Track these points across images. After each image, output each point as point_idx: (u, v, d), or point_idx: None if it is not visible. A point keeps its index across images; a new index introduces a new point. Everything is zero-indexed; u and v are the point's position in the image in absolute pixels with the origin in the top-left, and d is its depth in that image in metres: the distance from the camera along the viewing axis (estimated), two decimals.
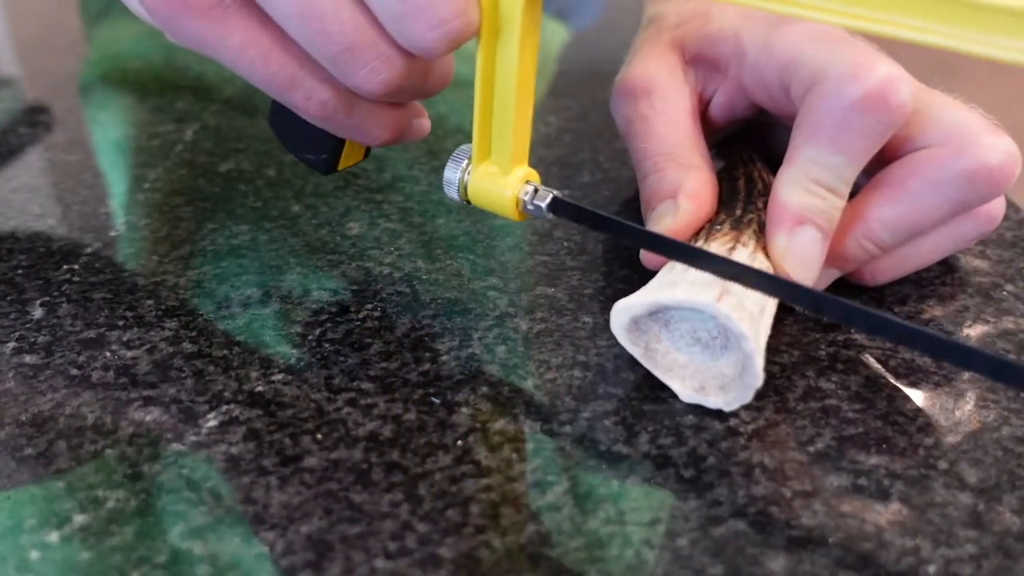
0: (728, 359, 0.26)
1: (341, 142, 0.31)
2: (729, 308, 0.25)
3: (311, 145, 0.32)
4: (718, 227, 0.29)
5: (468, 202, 0.30)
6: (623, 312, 0.27)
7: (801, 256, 0.28)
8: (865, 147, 0.28)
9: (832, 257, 0.29)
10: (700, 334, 0.27)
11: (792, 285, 0.26)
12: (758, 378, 0.25)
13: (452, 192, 0.30)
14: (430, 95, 0.29)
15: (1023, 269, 0.33)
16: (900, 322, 0.24)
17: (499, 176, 0.29)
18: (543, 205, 0.28)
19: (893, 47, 0.29)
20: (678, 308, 0.26)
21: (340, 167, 0.32)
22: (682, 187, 0.30)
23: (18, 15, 0.61)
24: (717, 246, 0.28)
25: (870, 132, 0.27)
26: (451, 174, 0.30)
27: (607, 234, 0.29)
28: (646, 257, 0.31)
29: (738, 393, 0.26)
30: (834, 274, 0.31)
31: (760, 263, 0.28)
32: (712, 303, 0.25)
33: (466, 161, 0.29)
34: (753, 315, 0.26)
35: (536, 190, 0.29)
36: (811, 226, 0.28)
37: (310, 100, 0.27)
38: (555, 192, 0.29)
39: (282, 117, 0.31)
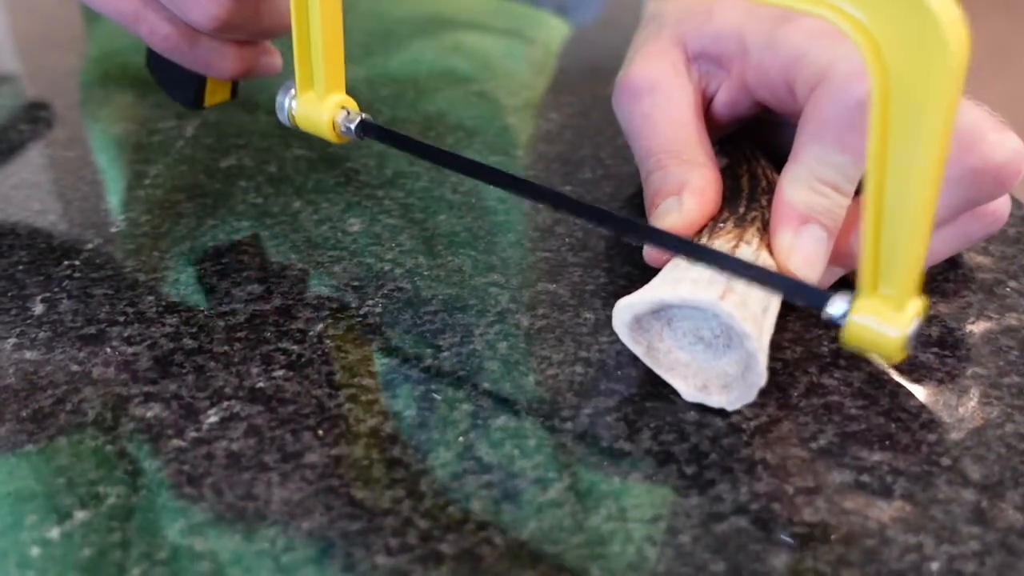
0: (731, 358, 0.26)
1: (202, 80, 0.35)
2: (732, 307, 0.25)
3: (178, 83, 0.36)
4: (721, 224, 0.29)
5: (297, 126, 0.32)
6: (626, 310, 0.27)
7: (805, 255, 0.28)
8: None
9: (836, 255, 0.29)
10: (703, 333, 0.27)
11: (794, 282, 0.26)
12: (761, 377, 0.25)
13: (283, 117, 0.32)
14: (270, 35, 0.33)
15: None
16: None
17: (318, 102, 0.31)
18: (352, 127, 0.31)
19: None
20: (681, 306, 0.26)
21: (207, 103, 0.37)
22: (686, 184, 0.30)
23: (19, 11, 0.61)
24: (720, 244, 0.28)
25: None
26: (281, 99, 0.32)
27: (419, 157, 0.33)
28: (649, 254, 0.31)
29: (741, 392, 0.26)
30: (837, 272, 0.30)
31: (764, 261, 0.27)
32: (715, 301, 0.25)
33: (294, 89, 0.32)
34: (756, 314, 0.26)
35: (348, 113, 0.31)
36: (816, 225, 0.28)
37: (154, 34, 0.33)
38: (364, 115, 0.31)
39: (156, 58, 0.36)
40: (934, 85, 0.20)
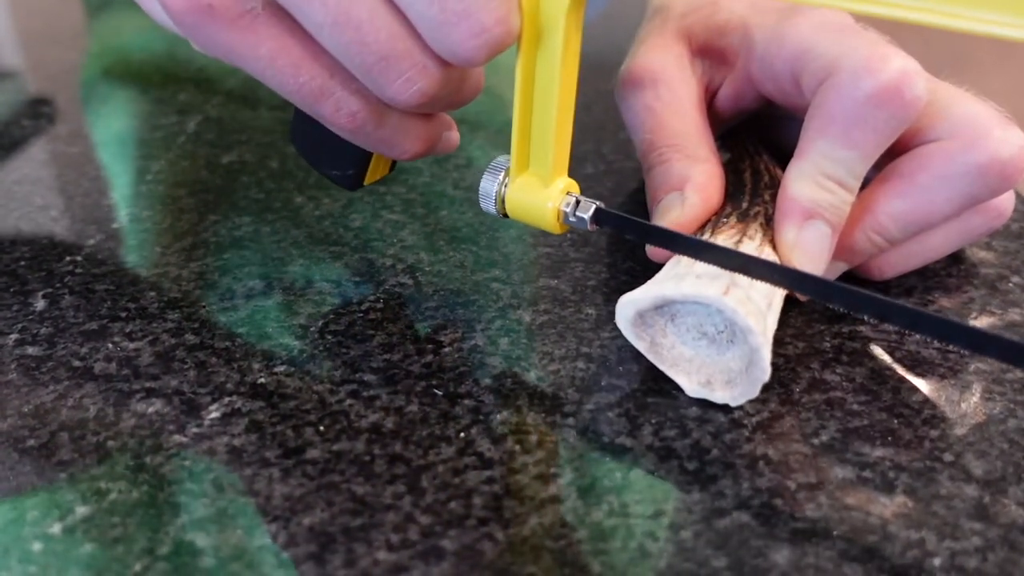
0: (734, 353, 0.26)
1: (368, 156, 0.30)
2: (736, 302, 0.25)
3: (337, 160, 0.31)
4: (724, 220, 0.29)
5: (505, 215, 0.29)
6: (628, 306, 0.27)
7: (809, 250, 0.28)
8: (878, 142, 0.27)
9: (840, 250, 0.29)
10: (706, 328, 0.27)
11: (798, 274, 0.26)
12: (765, 372, 0.25)
13: (489, 205, 0.29)
14: (463, 104, 0.28)
15: None
16: (909, 307, 0.23)
17: (539, 188, 0.28)
18: (586, 217, 0.28)
19: (900, 38, 0.29)
20: (684, 302, 0.26)
21: (366, 182, 0.31)
22: (689, 179, 0.30)
23: (21, 8, 0.61)
24: (723, 239, 0.28)
25: (883, 127, 0.27)
26: (488, 186, 0.28)
27: (650, 243, 0.29)
28: (652, 250, 0.30)
29: (745, 388, 0.26)
30: (841, 267, 0.30)
31: (767, 256, 0.27)
32: (719, 297, 0.25)
33: (503, 173, 0.28)
34: (760, 309, 0.25)
35: (578, 201, 0.28)
36: (820, 220, 0.28)
37: (340, 111, 0.26)
38: (597, 203, 0.28)
39: (306, 131, 0.30)
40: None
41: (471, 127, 0.43)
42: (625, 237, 0.28)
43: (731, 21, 0.32)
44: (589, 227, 0.28)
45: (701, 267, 0.26)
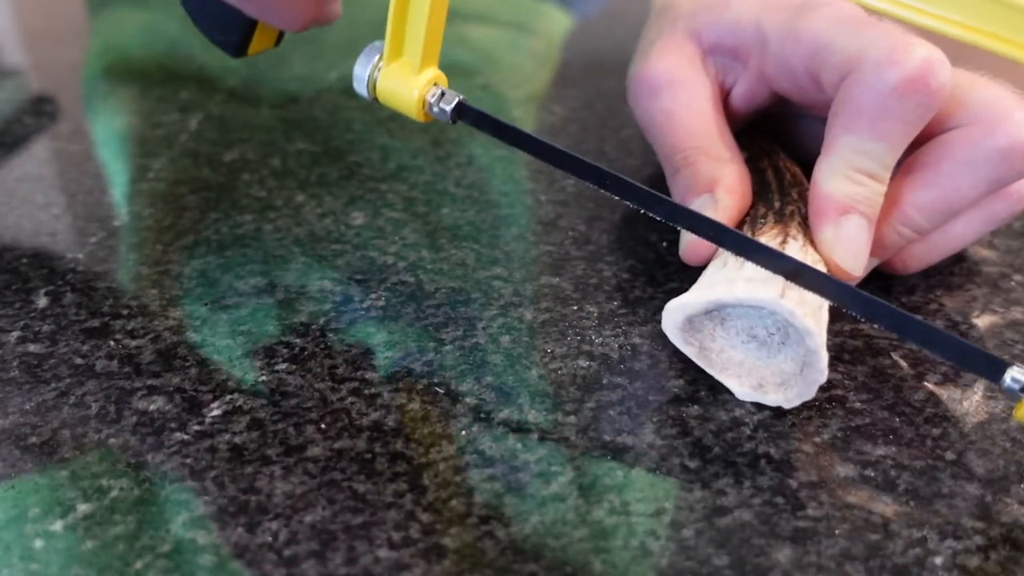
0: (787, 355, 0.26)
1: (252, 25, 0.31)
2: (793, 304, 0.24)
3: (223, 27, 0.32)
4: (761, 220, 0.28)
5: (376, 99, 0.30)
6: (678, 311, 0.26)
7: (850, 246, 0.27)
8: (906, 132, 0.27)
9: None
10: (757, 331, 0.26)
11: (849, 289, 0.25)
12: (823, 373, 0.25)
13: (361, 88, 0.29)
14: None
15: None
16: (955, 338, 0.23)
17: (409, 75, 0.28)
18: (448, 109, 0.28)
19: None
20: (737, 305, 0.26)
21: (250, 52, 0.32)
22: (719, 181, 0.29)
23: (23, 5, 0.61)
24: (767, 240, 0.27)
25: (911, 116, 0.27)
26: (360, 70, 0.29)
27: (510, 143, 0.29)
28: (690, 251, 0.30)
29: (800, 389, 0.26)
30: (873, 263, 0.30)
31: (811, 256, 0.27)
32: (776, 299, 0.24)
33: (377, 57, 0.29)
34: (815, 310, 0.25)
35: (443, 93, 0.28)
36: (856, 215, 0.27)
37: None
38: (460, 96, 0.28)
39: None
40: None
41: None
42: (485, 132, 0.29)
43: (742, 19, 0.32)
44: (450, 119, 0.28)
45: (751, 269, 0.26)
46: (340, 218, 0.36)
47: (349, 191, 0.37)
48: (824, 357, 0.25)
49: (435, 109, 0.28)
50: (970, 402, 0.27)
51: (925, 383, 0.28)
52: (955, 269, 0.32)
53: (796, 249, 0.27)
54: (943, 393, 0.27)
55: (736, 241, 0.26)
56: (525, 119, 0.44)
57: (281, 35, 0.33)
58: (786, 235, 0.27)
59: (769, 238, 0.27)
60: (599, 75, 0.47)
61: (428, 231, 0.35)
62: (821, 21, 0.29)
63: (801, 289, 0.25)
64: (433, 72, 0.28)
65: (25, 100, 0.47)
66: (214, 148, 0.41)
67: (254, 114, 0.44)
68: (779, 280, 0.25)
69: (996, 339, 0.29)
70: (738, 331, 0.27)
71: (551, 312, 0.30)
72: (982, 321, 0.30)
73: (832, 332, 0.29)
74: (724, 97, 0.34)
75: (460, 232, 0.35)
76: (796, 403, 0.26)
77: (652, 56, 0.33)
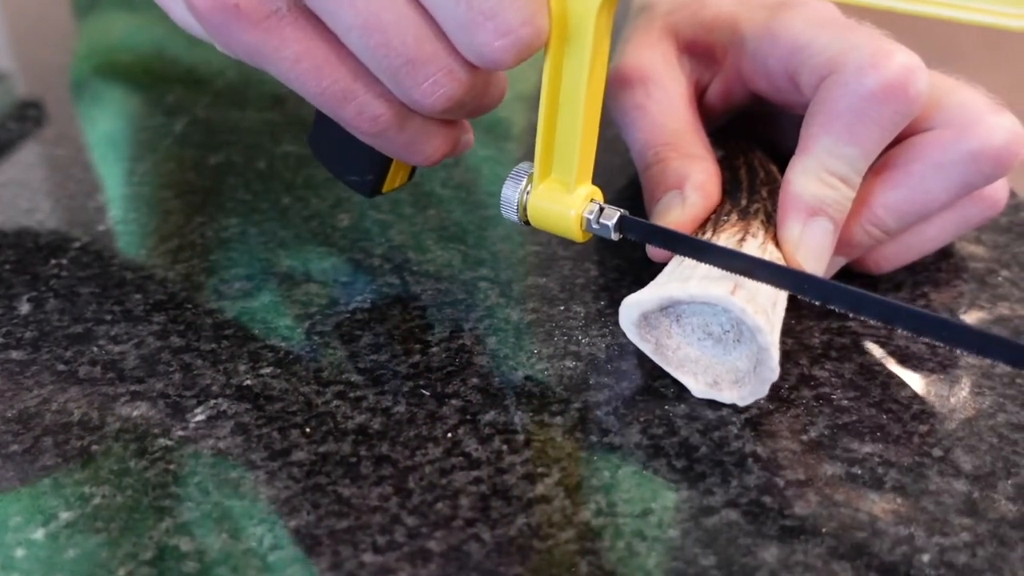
0: (741, 352, 0.26)
1: (388, 162, 0.30)
2: (743, 301, 0.24)
3: (356, 165, 0.30)
4: (725, 218, 0.28)
5: (527, 223, 0.28)
6: (633, 307, 0.26)
7: (814, 247, 0.27)
8: (881, 137, 0.27)
9: (838, 244, 0.29)
10: (712, 328, 0.26)
11: (804, 276, 0.25)
12: (774, 372, 0.25)
13: (511, 213, 0.28)
14: (488, 110, 0.27)
15: (1018, 255, 0.33)
16: (914, 309, 0.23)
17: (562, 194, 0.27)
18: (610, 224, 0.27)
19: (894, 33, 0.28)
20: (690, 302, 0.26)
21: (385, 189, 0.31)
22: (687, 178, 0.29)
23: (9, 9, 0.61)
24: (726, 238, 0.27)
25: (887, 122, 0.27)
26: (510, 193, 0.28)
27: (678, 252, 0.28)
28: (653, 250, 0.30)
29: (753, 387, 0.26)
30: (840, 262, 0.30)
31: (771, 254, 0.27)
32: (726, 296, 0.25)
33: (526, 179, 0.28)
34: (766, 308, 0.25)
35: (601, 209, 0.27)
36: (824, 218, 0.27)
37: (362, 115, 0.26)
38: (621, 211, 0.27)
39: (325, 136, 0.30)
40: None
41: None
42: (651, 245, 0.28)
43: (718, 17, 0.32)
44: (613, 236, 0.27)
45: (705, 267, 0.26)
46: (326, 220, 0.35)
47: (335, 193, 0.37)
48: (775, 355, 0.25)
49: (594, 226, 0.27)
50: (957, 399, 0.27)
51: (912, 380, 0.27)
52: (942, 265, 0.32)
53: (754, 247, 0.27)
54: (930, 390, 0.27)
55: (685, 244, 0.27)
56: (513, 118, 0.44)
57: (414, 169, 0.32)
58: (746, 232, 0.27)
59: (728, 236, 0.27)
60: None
61: (415, 232, 0.35)
62: (799, 21, 0.29)
63: (754, 287, 0.25)
64: (588, 188, 0.27)
65: (10, 104, 0.46)
66: (199, 151, 0.41)
67: (240, 117, 0.44)
68: (732, 277, 0.25)
69: (1004, 335, 0.29)
70: (694, 328, 0.27)
71: (538, 313, 0.30)
72: (969, 317, 0.30)
73: (819, 330, 0.29)
74: (700, 95, 0.34)
75: (446, 233, 0.35)
76: (749, 401, 0.26)
77: (628, 52, 0.33)
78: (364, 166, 0.30)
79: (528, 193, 0.28)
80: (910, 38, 0.28)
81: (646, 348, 0.27)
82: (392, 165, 0.30)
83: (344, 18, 0.23)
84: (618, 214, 0.27)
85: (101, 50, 0.52)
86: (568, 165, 0.27)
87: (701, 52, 0.33)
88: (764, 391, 0.25)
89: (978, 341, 0.23)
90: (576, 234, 0.28)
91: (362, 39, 0.24)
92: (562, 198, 0.27)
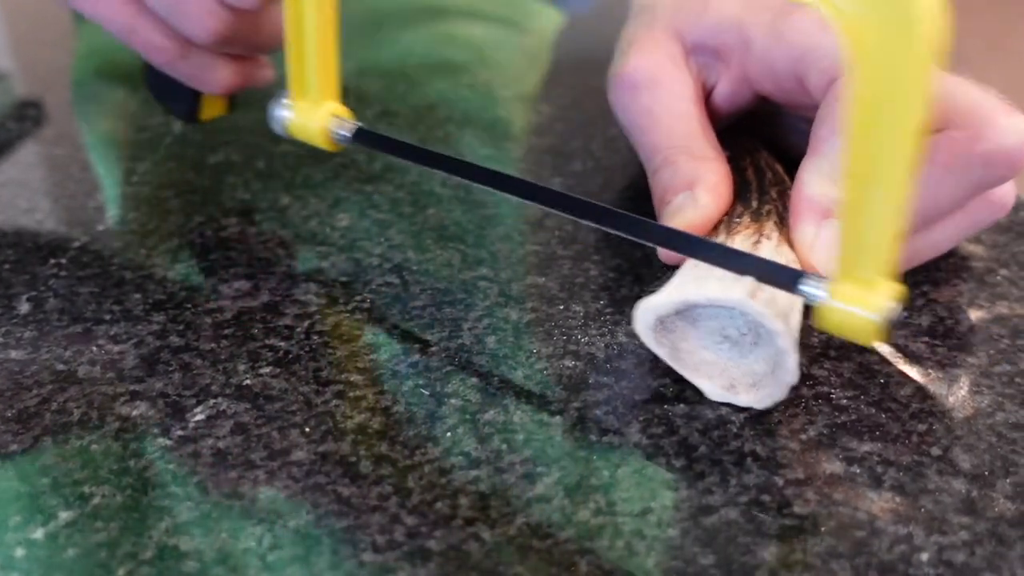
0: (758, 355, 0.26)
1: (199, 93, 0.35)
2: (762, 304, 0.24)
3: (174, 97, 0.36)
4: (737, 220, 0.28)
5: (292, 136, 0.33)
6: (649, 312, 0.26)
7: (829, 249, 0.27)
8: None
9: None
10: (729, 331, 0.26)
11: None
12: (793, 374, 0.25)
13: (276, 127, 0.33)
14: (265, 50, 0.34)
15: (1018, 254, 0.33)
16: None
17: (312, 110, 0.32)
18: (348, 134, 0.32)
19: None
20: (708, 305, 0.26)
21: (203, 117, 0.37)
22: (699, 180, 0.29)
23: (8, 9, 0.61)
24: (741, 240, 0.27)
25: None
26: (273, 110, 0.33)
27: (410, 161, 0.32)
28: (665, 251, 0.30)
29: (771, 390, 0.25)
30: None
31: (785, 256, 0.27)
32: (745, 299, 0.24)
33: (287, 98, 0.32)
34: (785, 310, 0.25)
35: (343, 122, 0.32)
36: (837, 219, 0.27)
37: (148, 45, 0.32)
38: (360, 124, 0.32)
39: (152, 71, 0.36)
40: (908, 69, 0.20)
41: (459, 124, 0.43)
42: (387, 155, 0.35)
43: (724, 19, 0.32)
44: (351, 143, 0.32)
45: (722, 269, 0.26)
46: (325, 220, 0.35)
47: (334, 192, 0.37)
48: (794, 358, 0.24)
49: (337, 137, 0.32)
50: (956, 397, 0.27)
51: (911, 379, 0.27)
52: (942, 264, 0.32)
53: (769, 249, 0.27)
54: (929, 389, 0.27)
55: (703, 248, 0.26)
56: (513, 118, 0.44)
57: (232, 101, 0.38)
58: (760, 235, 0.27)
59: (743, 239, 0.27)
60: (587, 74, 0.47)
61: (414, 232, 0.35)
62: (807, 23, 0.29)
63: (772, 289, 0.25)
64: (332, 105, 0.32)
65: (10, 104, 0.46)
66: (199, 151, 0.41)
67: (239, 116, 0.44)
68: (749, 280, 0.25)
69: (982, 334, 0.29)
70: (710, 331, 0.27)
71: (537, 312, 0.30)
72: (968, 316, 0.30)
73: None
74: (706, 96, 0.34)
75: (446, 232, 0.35)
76: (767, 404, 0.26)
77: (633, 54, 0.33)
78: (179, 96, 0.36)
79: (289, 109, 0.32)
80: None
81: (661, 352, 0.27)
82: (204, 95, 0.36)
83: None
84: (356, 126, 0.32)
85: (100, 50, 0.52)
86: (314, 85, 0.32)
87: (707, 54, 0.33)
88: (782, 394, 0.25)
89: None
90: (326, 143, 0.32)
91: None
92: (311, 114, 0.32)
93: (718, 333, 0.26)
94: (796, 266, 0.27)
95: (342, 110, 0.32)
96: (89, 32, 0.56)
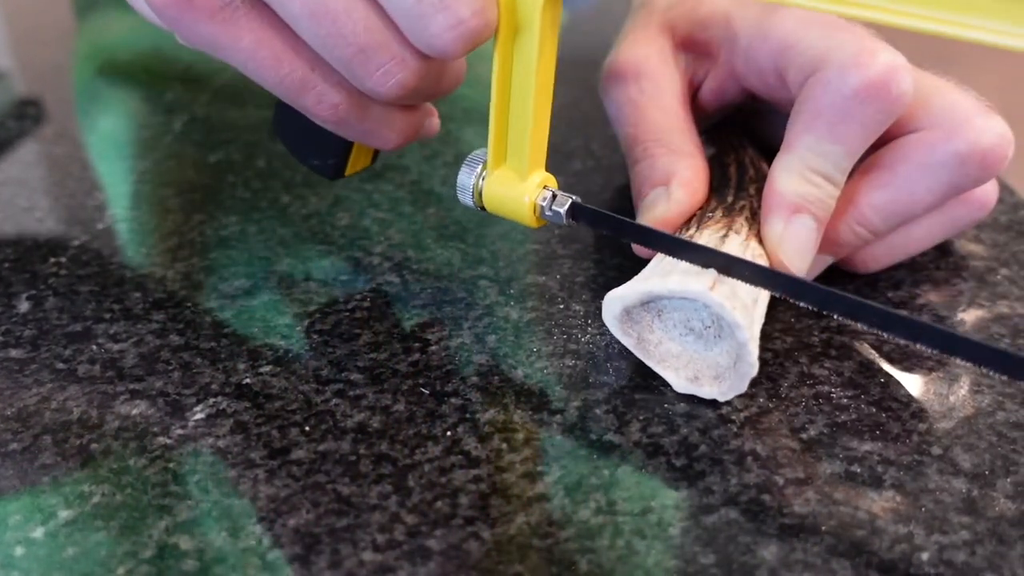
0: (722, 348, 0.26)
1: (349, 146, 0.31)
2: (722, 297, 0.25)
3: (318, 150, 0.31)
4: (710, 214, 0.29)
5: (483, 208, 0.29)
6: (615, 302, 0.27)
7: (796, 245, 0.27)
8: (864, 136, 0.27)
9: (824, 243, 0.29)
10: (693, 324, 0.27)
11: (780, 276, 0.26)
12: (753, 367, 0.25)
13: (466, 198, 0.29)
14: (444, 95, 0.28)
15: (1018, 253, 0.33)
16: (881, 308, 0.23)
17: (516, 181, 0.28)
18: (561, 211, 0.27)
19: (887, 34, 0.28)
20: (671, 297, 0.26)
21: (347, 172, 0.31)
22: (674, 174, 0.29)
23: (8, 7, 0.61)
24: (709, 234, 0.27)
25: (870, 122, 0.27)
26: (465, 179, 0.28)
27: (627, 239, 0.28)
28: (637, 247, 0.30)
29: (733, 383, 0.26)
30: (827, 260, 0.30)
31: (752, 251, 0.27)
32: (705, 292, 0.25)
33: (480, 166, 0.28)
34: (746, 304, 0.25)
35: (554, 196, 0.28)
36: (807, 215, 0.27)
37: (321, 103, 0.26)
38: (573, 198, 0.28)
39: (287, 121, 0.31)
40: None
41: (461, 122, 0.43)
42: (601, 233, 0.29)
43: (714, 14, 0.32)
44: (564, 221, 0.28)
45: (688, 262, 0.26)
46: (325, 219, 0.35)
47: (334, 192, 0.37)
48: (754, 351, 0.25)
49: (547, 213, 0.28)
50: (956, 397, 0.27)
51: (911, 378, 0.27)
52: (941, 263, 0.32)
53: (736, 243, 0.27)
54: (929, 388, 0.27)
55: (665, 242, 0.27)
56: None
57: (377, 153, 0.32)
58: (729, 229, 0.28)
59: (711, 232, 0.27)
60: (588, 72, 0.47)
61: (414, 231, 0.35)
62: (790, 20, 0.29)
63: (733, 283, 0.25)
64: (541, 175, 0.28)
65: (10, 103, 0.46)
66: (199, 150, 0.41)
67: (239, 115, 0.44)
68: (712, 272, 0.25)
69: (982, 333, 0.29)
70: (675, 323, 0.27)
71: (537, 311, 0.30)
72: (969, 316, 0.30)
73: (818, 328, 0.29)
74: (694, 92, 0.34)
75: (446, 231, 0.35)
76: (729, 396, 0.26)
77: (624, 47, 0.33)
78: (326, 150, 0.31)
79: (483, 179, 0.28)
80: (906, 39, 0.28)
81: (628, 343, 0.27)
82: (354, 148, 0.31)
83: (292, 7, 0.24)
84: (569, 201, 0.28)
85: (100, 49, 0.52)
86: (521, 153, 0.27)
87: (696, 48, 0.33)
88: (743, 387, 0.26)
89: (949, 343, 0.23)
90: (530, 220, 0.28)
91: (312, 28, 0.24)
92: (516, 185, 0.28)
93: (683, 325, 0.27)
94: (763, 261, 0.27)
95: (552, 181, 0.28)
96: (89, 32, 0.56)
